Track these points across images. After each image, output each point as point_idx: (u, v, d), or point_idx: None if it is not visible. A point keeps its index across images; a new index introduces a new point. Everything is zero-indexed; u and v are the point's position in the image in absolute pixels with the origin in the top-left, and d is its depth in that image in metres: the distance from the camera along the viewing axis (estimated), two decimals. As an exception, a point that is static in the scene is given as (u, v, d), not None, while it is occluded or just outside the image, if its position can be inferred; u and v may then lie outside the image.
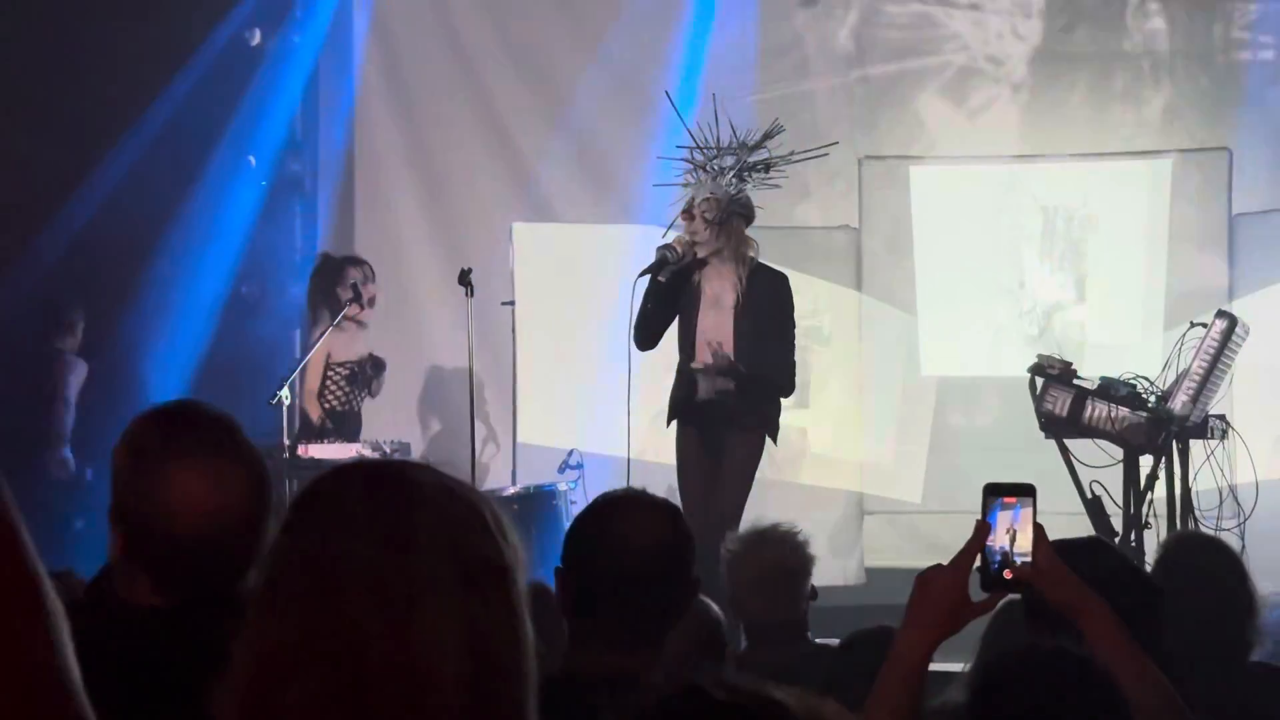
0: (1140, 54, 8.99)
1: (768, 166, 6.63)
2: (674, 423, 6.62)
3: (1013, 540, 2.22)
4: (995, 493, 2.24)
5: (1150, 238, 8.75)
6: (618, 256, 9.05)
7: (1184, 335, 6.68)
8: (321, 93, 9.42)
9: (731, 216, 6.52)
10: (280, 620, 1.34)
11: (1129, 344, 8.48)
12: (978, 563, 2.22)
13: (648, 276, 6.53)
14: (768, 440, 6.55)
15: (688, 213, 6.48)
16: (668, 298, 6.46)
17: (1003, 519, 2.23)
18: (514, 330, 8.50)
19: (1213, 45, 8.95)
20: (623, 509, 2.65)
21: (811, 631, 4.22)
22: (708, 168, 6.61)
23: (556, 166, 9.23)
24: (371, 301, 7.93)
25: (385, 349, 8.21)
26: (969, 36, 9.12)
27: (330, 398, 7.81)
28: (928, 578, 2.19)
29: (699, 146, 6.67)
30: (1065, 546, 2.79)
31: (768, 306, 6.52)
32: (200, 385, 8.47)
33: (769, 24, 9.24)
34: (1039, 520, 2.24)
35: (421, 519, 1.37)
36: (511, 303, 8.50)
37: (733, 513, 6.22)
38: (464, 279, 7.50)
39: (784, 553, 4.11)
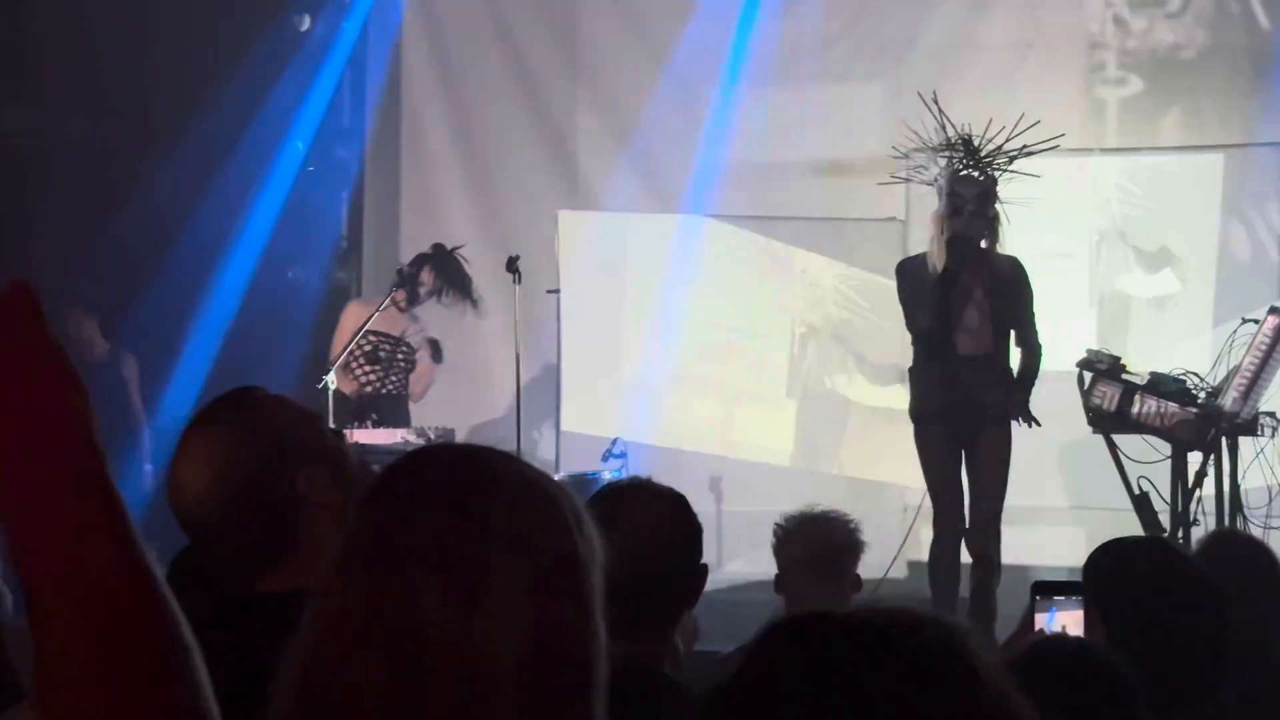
0: (1194, 49, 8.93)
1: (1011, 159, 6.67)
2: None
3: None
4: (1045, 592, 2.22)
5: (1202, 233, 8.69)
6: (663, 245, 9.06)
7: (1235, 331, 6.62)
8: (369, 79, 9.45)
9: (996, 209, 6.61)
10: (345, 593, 1.35)
11: (1179, 339, 8.42)
12: None
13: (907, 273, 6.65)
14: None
15: (957, 211, 6.51)
16: (947, 292, 6.53)
17: (1057, 612, 2.21)
18: (559, 318, 8.52)
19: (1268, 39, 8.87)
20: (627, 498, 2.63)
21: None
22: (945, 164, 6.67)
23: (602, 154, 9.23)
24: (426, 293, 7.80)
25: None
26: (1019, 29, 9.07)
27: (358, 372, 7.74)
28: None
29: (947, 148, 6.73)
30: (1125, 545, 2.78)
31: (1017, 289, 6.60)
32: (245, 370, 8.50)
33: (811, 13, 9.22)
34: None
35: (495, 506, 1.37)
36: (556, 291, 8.51)
37: (998, 504, 6.42)
38: (511, 266, 7.51)
39: (832, 532, 4.12)
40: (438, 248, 7.92)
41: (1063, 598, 2.24)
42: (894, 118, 8.89)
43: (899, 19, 9.18)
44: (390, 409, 7.70)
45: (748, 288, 9.10)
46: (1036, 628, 2.22)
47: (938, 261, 6.48)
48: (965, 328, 6.50)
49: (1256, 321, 6.55)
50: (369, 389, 7.72)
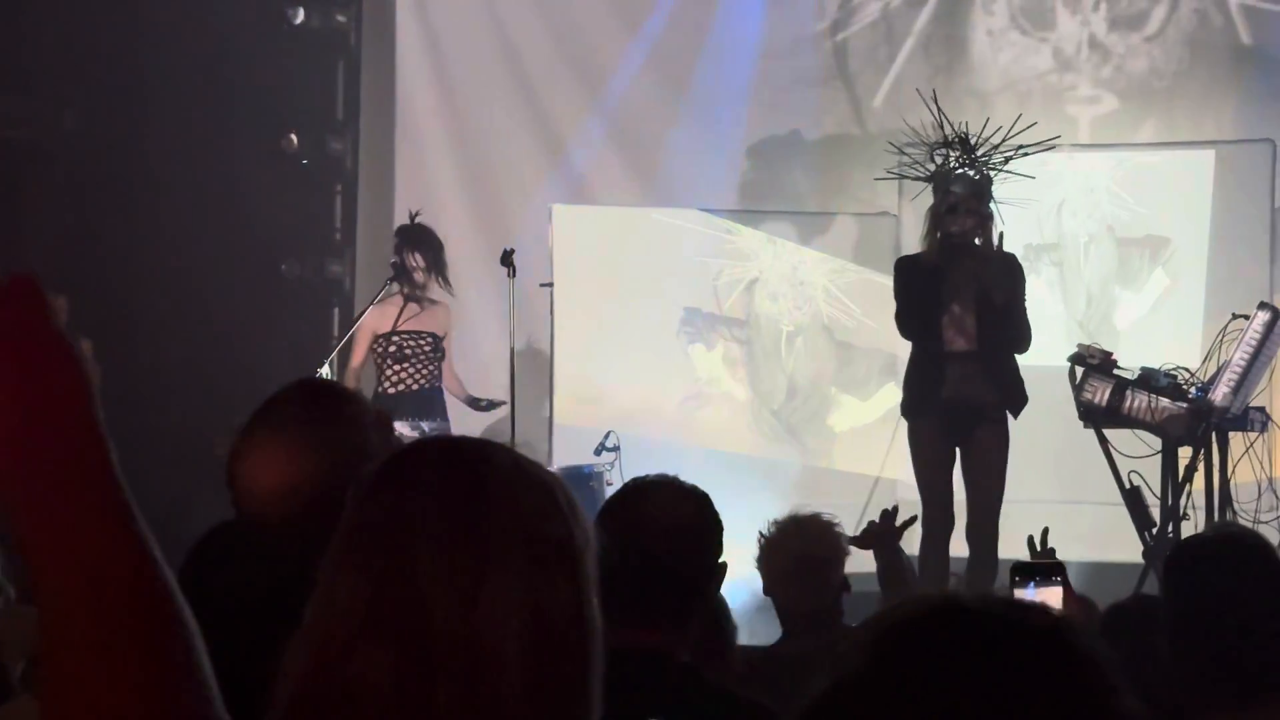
0: (1184, 45, 8.95)
1: (1007, 159, 6.69)
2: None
3: None
4: (1024, 574, 2.24)
5: (1192, 229, 8.72)
6: (656, 239, 9.08)
7: (1225, 327, 6.66)
8: (364, 72, 9.45)
9: (992, 207, 6.60)
10: (350, 585, 1.37)
11: (1170, 335, 8.45)
12: None
13: (906, 267, 6.63)
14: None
15: (952, 209, 6.50)
16: (936, 288, 6.50)
17: (1035, 597, 2.23)
18: (552, 311, 8.53)
19: (1258, 36, 8.89)
20: (651, 492, 2.72)
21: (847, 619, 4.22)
22: (941, 163, 6.66)
23: (596, 149, 9.24)
24: (422, 276, 7.76)
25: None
26: (1012, 27, 9.09)
27: (389, 373, 7.72)
28: None
29: (944, 146, 6.70)
30: (1201, 543, 2.80)
31: (1008, 287, 6.57)
32: (239, 363, 8.51)
33: (804, 8, 9.24)
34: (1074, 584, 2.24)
35: (494, 495, 1.39)
36: (550, 284, 8.52)
37: (996, 506, 6.43)
38: (506, 260, 7.52)
39: (812, 543, 4.12)
40: (404, 229, 7.91)
41: (1041, 579, 2.25)
42: (886, 112, 8.96)
43: (890, 15, 9.20)
44: (424, 405, 7.65)
45: (739, 282, 9.13)
46: None
47: (931, 261, 6.51)
48: (955, 325, 6.49)
49: (1246, 317, 6.58)
50: (401, 388, 7.67)
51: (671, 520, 2.66)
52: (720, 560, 2.74)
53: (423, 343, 7.75)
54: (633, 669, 2.47)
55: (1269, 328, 6.50)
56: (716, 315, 9.12)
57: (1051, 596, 2.24)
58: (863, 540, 4.72)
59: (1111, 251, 8.85)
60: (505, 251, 7.56)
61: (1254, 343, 6.47)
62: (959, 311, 6.49)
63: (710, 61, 9.24)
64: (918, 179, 6.86)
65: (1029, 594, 2.24)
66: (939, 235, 6.52)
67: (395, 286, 7.73)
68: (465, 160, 9.36)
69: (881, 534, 4.78)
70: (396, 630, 1.33)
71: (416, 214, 7.92)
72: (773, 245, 9.11)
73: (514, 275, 7.55)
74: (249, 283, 8.94)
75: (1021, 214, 8.62)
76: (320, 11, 9.18)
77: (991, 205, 6.58)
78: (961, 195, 6.52)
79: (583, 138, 9.26)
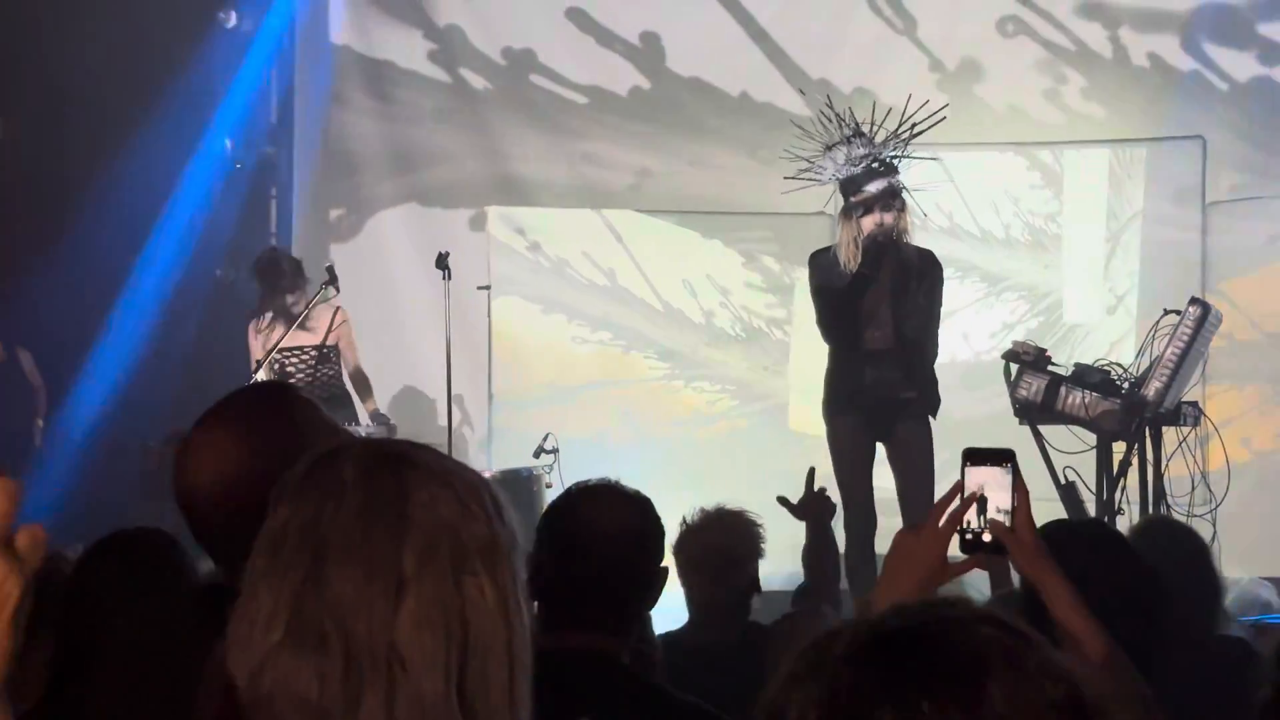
0: (1116, 42, 9.03)
1: (905, 142, 6.62)
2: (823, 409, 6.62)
3: (994, 503, 2.21)
4: (975, 459, 2.23)
5: (1124, 225, 8.80)
6: (592, 240, 9.09)
7: (1158, 322, 6.70)
8: (298, 76, 9.41)
9: (905, 198, 6.53)
10: (273, 592, 1.35)
11: (1103, 331, 8.53)
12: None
13: (819, 269, 6.53)
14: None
15: (868, 208, 6.43)
16: (856, 287, 6.43)
17: (985, 479, 2.22)
18: (489, 314, 8.52)
19: (1186, 34, 8.99)
20: (594, 497, 2.73)
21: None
22: (843, 160, 6.59)
23: (532, 149, 9.23)
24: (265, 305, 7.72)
25: (359, 332, 8.11)
26: (945, 25, 9.14)
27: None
28: (907, 541, 2.18)
29: (844, 143, 6.63)
30: (1066, 527, 2.81)
31: (925, 284, 6.51)
32: (174, 368, 8.45)
33: (736, 11, 9.27)
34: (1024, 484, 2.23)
35: (416, 499, 1.38)
36: (487, 287, 8.52)
37: (926, 505, 6.28)
38: (441, 263, 7.50)
39: (726, 538, 4.12)
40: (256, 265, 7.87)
41: (991, 463, 2.24)
42: (813, 113, 8.99)
43: (823, 19, 9.24)
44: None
45: (675, 282, 9.14)
46: (969, 488, 2.22)
47: (849, 259, 6.43)
48: (876, 323, 6.45)
49: (1179, 313, 6.63)
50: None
51: (613, 525, 2.67)
52: (662, 565, 2.75)
53: (306, 356, 7.67)
54: (574, 671, 2.48)
55: (1200, 323, 6.55)
56: (656, 314, 9.13)
57: (1000, 478, 2.22)
58: (799, 510, 4.73)
59: (1044, 246, 8.92)
60: (440, 254, 7.54)
61: (1186, 338, 6.52)
62: (879, 310, 6.45)
63: (649, 61, 9.25)
64: (822, 182, 6.80)
65: (979, 474, 2.22)
66: (856, 234, 6.47)
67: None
68: (400, 162, 9.33)
69: (817, 507, 4.78)
70: (319, 637, 1.32)
71: (273, 248, 7.86)
72: (710, 246, 9.13)
73: (449, 278, 7.53)
74: (184, 288, 8.88)
75: (954, 212, 8.70)
76: (253, 15, 9.14)
77: (904, 196, 6.54)
78: (875, 193, 6.49)
79: (517, 138, 9.24)
